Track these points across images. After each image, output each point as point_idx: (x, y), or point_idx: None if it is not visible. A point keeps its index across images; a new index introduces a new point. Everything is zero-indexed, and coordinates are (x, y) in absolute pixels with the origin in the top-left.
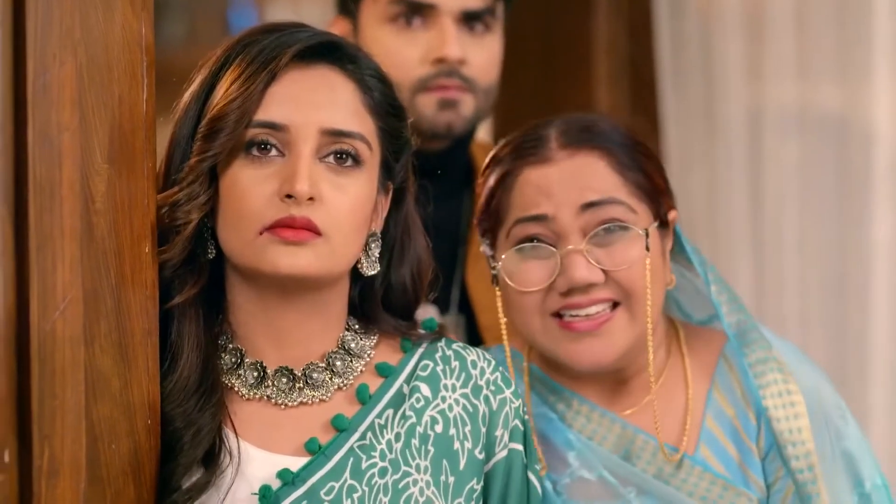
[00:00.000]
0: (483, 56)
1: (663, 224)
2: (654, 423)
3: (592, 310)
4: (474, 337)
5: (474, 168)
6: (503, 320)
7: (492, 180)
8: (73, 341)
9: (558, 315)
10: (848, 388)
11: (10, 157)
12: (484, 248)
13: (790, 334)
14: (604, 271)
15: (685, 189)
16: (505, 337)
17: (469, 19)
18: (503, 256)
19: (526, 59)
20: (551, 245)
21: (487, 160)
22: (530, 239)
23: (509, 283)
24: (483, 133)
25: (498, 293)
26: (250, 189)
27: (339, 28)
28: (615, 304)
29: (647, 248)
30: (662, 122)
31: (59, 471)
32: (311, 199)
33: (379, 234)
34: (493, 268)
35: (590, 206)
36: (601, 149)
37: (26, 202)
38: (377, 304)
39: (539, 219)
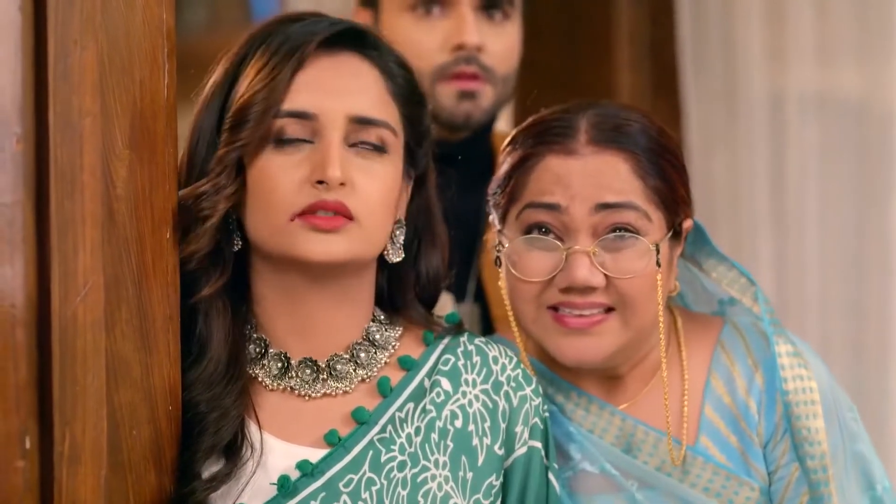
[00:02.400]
0: (502, 44)
1: (675, 233)
2: (653, 414)
3: (586, 311)
4: (487, 327)
5: (495, 159)
6: (508, 303)
7: (512, 158)
8: (95, 327)
9: (554, 308)
10: (867, 368)
11: (32, 142)
12: (492, 219)
13: (810, 314)
14: (606, 276)
15: (707, 172)
16: (512, 320)
17: (487, 7)
18: (508, 244)
19: (548, 43)
20: (559, 238)
21: (512, 134)
22: (539, 226)
23: (511, 270)
24: (504, 119)
25: (501, 274)
26: (280, 176)
27: (360, 19)
28: (609, 308)
29: (658, 264)
30: (684, 106)
31: (80, 457)
32: (342, 184)
33: (403, 222)
34: (497, 250)
35: (605, 206)
36: (628, 151)
37: (48, 188)
38: (407, 292)
39: (551, 207)
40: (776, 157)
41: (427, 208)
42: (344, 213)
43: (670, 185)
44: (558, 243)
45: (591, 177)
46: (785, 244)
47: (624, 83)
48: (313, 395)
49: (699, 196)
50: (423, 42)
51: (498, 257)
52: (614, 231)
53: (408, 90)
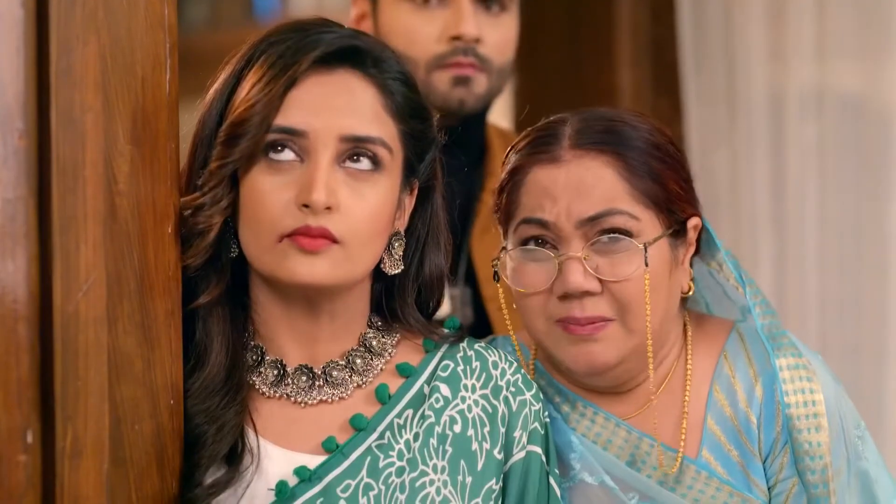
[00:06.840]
0: (498, 35)
1: (678, 232)
2: (658, 426)
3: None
4: (479, 308)
5: (488, 148)
6: (506, 314)
7: (505, 173)
8: (97, 322)
9: (561, 322)
10: (865, 366)
11: (34, 138)
12: (501, 236)
13: (809, 312)
14: (601, 281)
15: (707, 170)
16: (511, 329)
17: None
18: (503, 255)
19: (550, 41)
20: (553, 247)
21: (508, 150)
22: (534, 239)
23: (510, 283)
24: (504, 115)
25: (500, 288)
26: (269, 196)
27: (357, 8)
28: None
29: (647, 264)
30: (684, 104)
31: (82, 452)
32: (328, 208)
33: (402, 234)
34: (494, 265)
35: (589, 220)
36: (611, 153)
37: (49, 183)
38: (406, 301)
39: (541, 223)
40: (776, 155)
41: (432, 219)
42: (327, 238)
43: (661, 183)
44: (551, 253)
45: (574, 188)
46: (784, 242)
47: (625, 81)
48: (309, 402)
49: (699, 194)
50: (420, 31)
51: (496, 272)
52: (604, 234)
53: (408, 106)
